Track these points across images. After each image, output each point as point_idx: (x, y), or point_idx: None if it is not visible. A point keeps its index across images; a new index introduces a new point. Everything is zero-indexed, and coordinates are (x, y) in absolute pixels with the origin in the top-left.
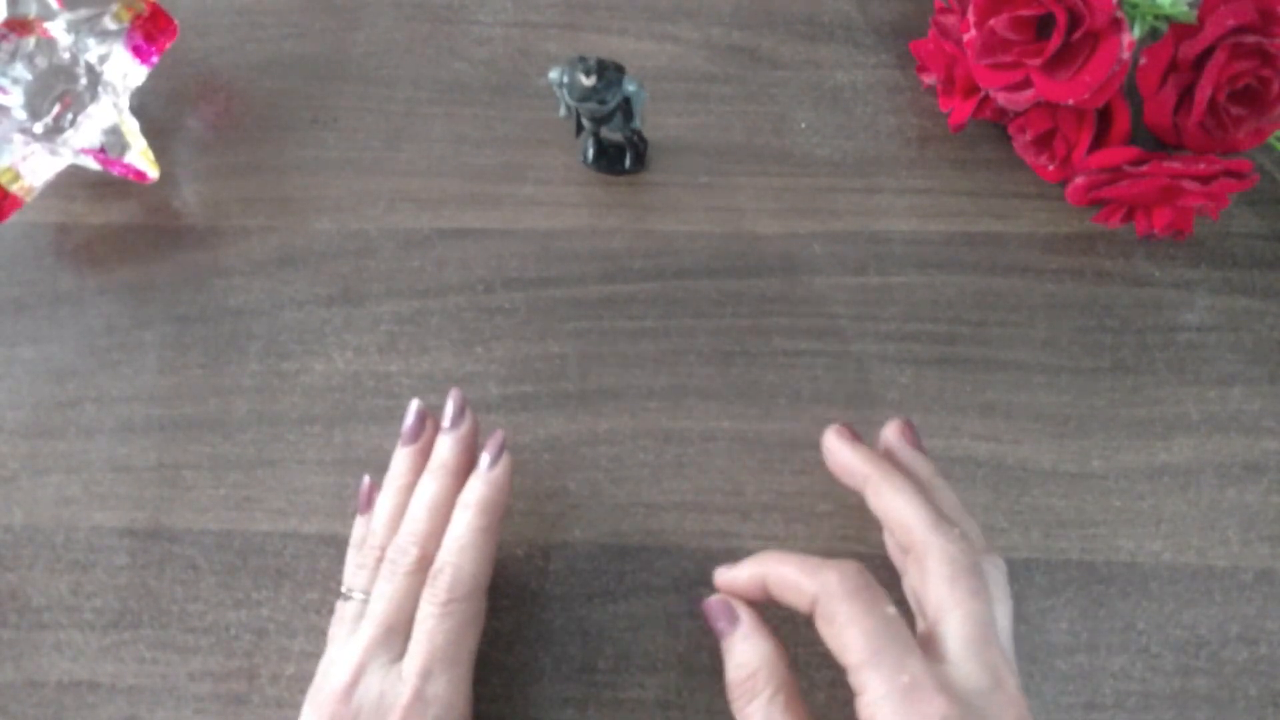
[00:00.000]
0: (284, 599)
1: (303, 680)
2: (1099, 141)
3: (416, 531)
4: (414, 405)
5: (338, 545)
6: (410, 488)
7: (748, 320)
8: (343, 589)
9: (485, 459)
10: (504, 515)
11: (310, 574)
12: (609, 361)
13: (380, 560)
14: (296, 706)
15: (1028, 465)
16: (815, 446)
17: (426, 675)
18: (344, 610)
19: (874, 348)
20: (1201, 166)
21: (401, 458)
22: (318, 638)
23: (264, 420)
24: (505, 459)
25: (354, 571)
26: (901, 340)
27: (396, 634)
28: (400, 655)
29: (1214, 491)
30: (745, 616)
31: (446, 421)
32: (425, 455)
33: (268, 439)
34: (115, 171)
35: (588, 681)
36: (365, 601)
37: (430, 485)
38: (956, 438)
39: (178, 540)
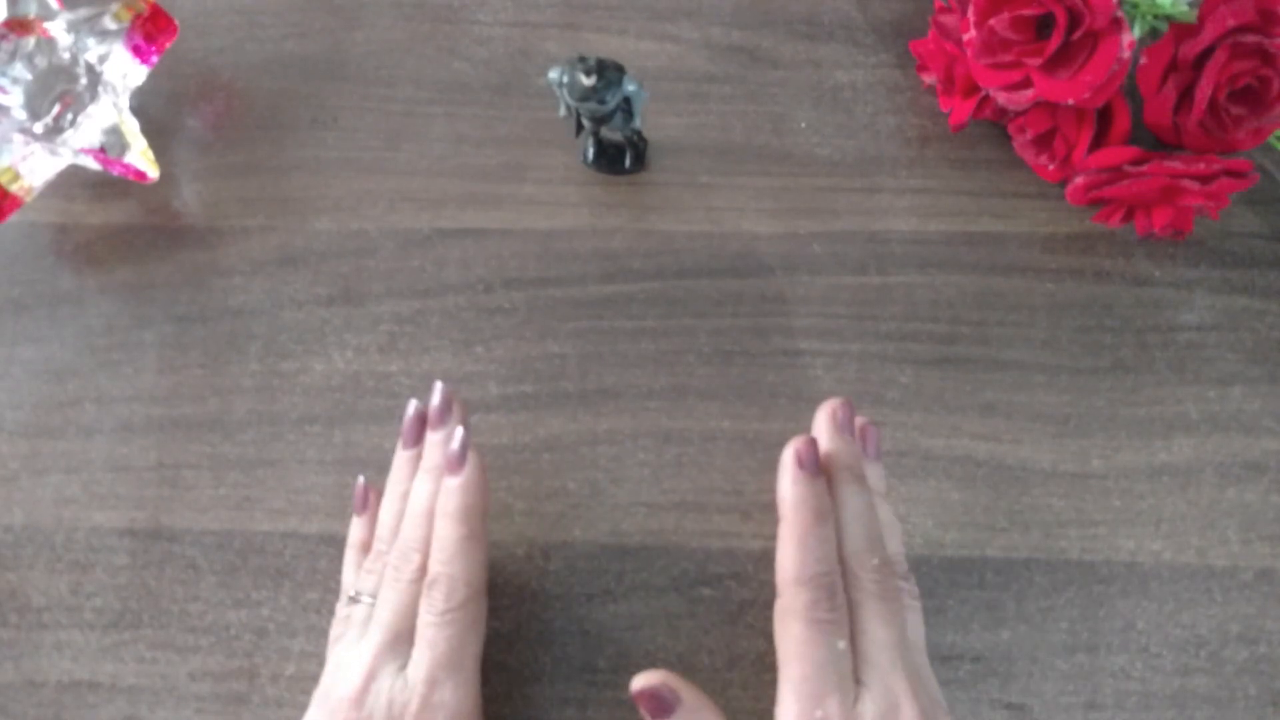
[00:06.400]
0: (284, 599)
1: (303, 680)
2: (1099, 141)
3: (416, 538)
4: (411, 406)
5: (338, 545)
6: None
7: (748, 320)
8: (350, 592)
9: (449, 455)
10: (487, 516)
11: (310, 574)
12: (609, 361)
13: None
14: (296, 706)
15: (1028, 465)
16: None
17: (432, 683)
18: (354, 613)
19: (874, 348)
20: (1201, 166)
21: (401, 462)
22: (318, 638)
23: (264, 420)
24: (473, 459)
25: (364, 575)
26: (901, 340)
27: (403, 640)
28: (407, 661)
29: (1214, 491)
30: (686, 694)
31: (431, 419)
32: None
33: (268, 439)
34: (115, 171)
35: (588, 681)
36: (374, 606)
37: (422, 490)
38: (956, 438)
39: (178, 540)
